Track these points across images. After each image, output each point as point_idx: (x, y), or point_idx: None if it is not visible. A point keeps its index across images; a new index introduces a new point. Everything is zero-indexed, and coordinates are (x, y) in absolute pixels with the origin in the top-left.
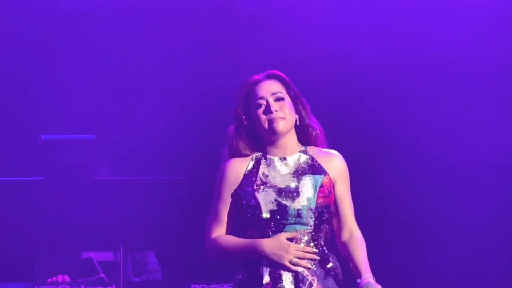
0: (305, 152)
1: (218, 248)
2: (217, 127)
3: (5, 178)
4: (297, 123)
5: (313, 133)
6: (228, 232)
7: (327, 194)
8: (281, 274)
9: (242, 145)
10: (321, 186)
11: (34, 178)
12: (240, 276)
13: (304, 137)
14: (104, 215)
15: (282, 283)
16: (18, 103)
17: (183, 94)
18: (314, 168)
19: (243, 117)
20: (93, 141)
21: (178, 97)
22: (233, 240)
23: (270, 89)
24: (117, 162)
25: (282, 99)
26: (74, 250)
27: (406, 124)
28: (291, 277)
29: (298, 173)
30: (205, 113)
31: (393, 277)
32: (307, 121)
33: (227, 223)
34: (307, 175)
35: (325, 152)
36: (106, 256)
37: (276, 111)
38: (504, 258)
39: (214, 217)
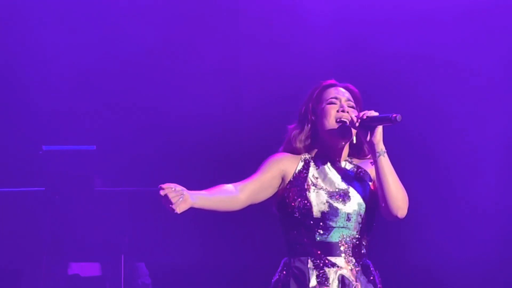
0: (350, 162)
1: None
2: (217, 137)
3: (6, 189)
4: (354, 141)
5: (366, 151)
6: (247, 197)
7: (375, 200)
8: (328, 278)
9: (299, 139)
10: (370, 192)
11: (35, 189)
12: (282, 275)
13: (356, 151)
14: (105, 226)
15: (329, 286)
16: (19, 113)
17: (184, 104)
18: (361, 174)
19: (310, 112)
20: (94, 152)
21: (178, 107)
22: (208, 189)
23: (345, 94)
24: (118, 173)
25: (353, 107)
26: (74, 261)
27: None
28: (337, 281)
29: (347, 178)
30: (206, 123)
31: (397, 277)
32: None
33: (250, 187)
34: (356, 181)
35: (367, 160)
36: (93, 270)
37: (347, 112)
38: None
39: (247, 178)
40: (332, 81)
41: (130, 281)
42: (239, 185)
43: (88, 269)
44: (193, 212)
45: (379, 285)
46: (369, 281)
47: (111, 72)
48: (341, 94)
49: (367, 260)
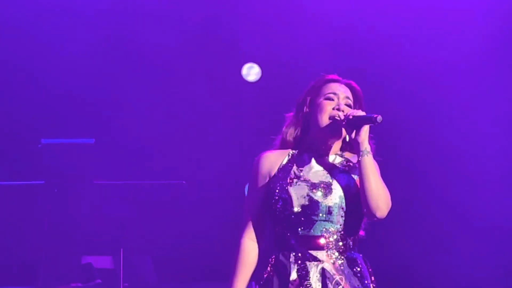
0: (341, 155)
1: (234, 257)
2: (218, 131)
3: (5, 182)
4: (347, 139)
5: (360, 151)
6: (261, 224)
7: (359, 194)
8: (309, 272)
9: (290, 131)
10: (354, 186)
11: (34, 182)
12: (266, 274)
13: (349, 145)
14: (104, 219)
15: (309, 280)
16: (18, 107)
17: (184, 98)
18: (349, 168)
19: (307, 104)
20: (93, 145)
21: (178, 101)
22: (235, 272)
23: (345, 92)
24: (117, 166)
25: (350, 106)
26: (74, 254)
27: (413, 123)
28: (318, 275)
29: (332, 171)
30: (206, 117)
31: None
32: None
33: (260, 214)
34: (341, 174)
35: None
36: (105, 263)
37: (343, 110)
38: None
39: (247, 209)
40: (335, 76)
41: (135, 277)
42: (251, 233)
43: (98, 264)
44: (193, 207)
45: (369, 278)
46: (354, 274)
47: (110, 66)
48: (341, 91)
49: (355, 253)
